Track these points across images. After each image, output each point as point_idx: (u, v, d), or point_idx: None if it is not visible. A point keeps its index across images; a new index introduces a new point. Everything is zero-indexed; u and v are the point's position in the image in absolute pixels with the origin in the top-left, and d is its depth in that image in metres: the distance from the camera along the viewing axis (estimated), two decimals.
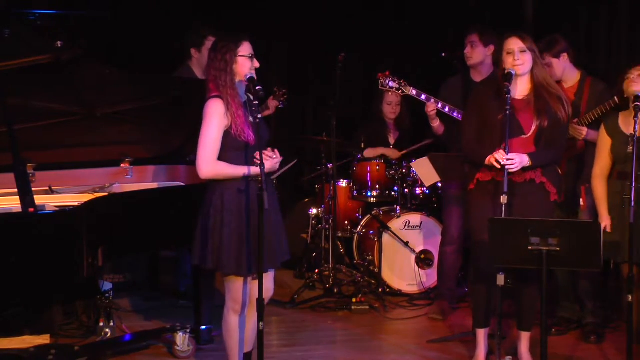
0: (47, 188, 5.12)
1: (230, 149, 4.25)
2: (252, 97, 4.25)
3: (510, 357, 4.89)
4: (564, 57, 5.37)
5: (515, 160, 4.57)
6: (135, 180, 5.39)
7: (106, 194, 5.08)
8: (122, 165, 5.38)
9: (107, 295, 5.32)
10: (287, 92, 6.64)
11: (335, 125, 6.63)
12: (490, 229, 4.37)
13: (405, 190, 6.75)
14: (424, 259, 6.57)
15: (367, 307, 6.15)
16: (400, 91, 5.76)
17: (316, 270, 6.77)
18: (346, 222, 7.06)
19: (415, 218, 6.62)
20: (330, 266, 6.66)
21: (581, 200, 5.38)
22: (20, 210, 4.28)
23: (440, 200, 6.35)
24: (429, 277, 6.52)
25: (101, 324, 5.24)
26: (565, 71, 5.41)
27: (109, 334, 5.24)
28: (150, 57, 6.95)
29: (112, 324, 5.28)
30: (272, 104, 6.57)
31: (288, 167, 6.84)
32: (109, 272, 6.22)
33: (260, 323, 4.16)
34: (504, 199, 4.49)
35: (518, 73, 4.67)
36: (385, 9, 7.80)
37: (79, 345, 4.84)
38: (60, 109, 4.92)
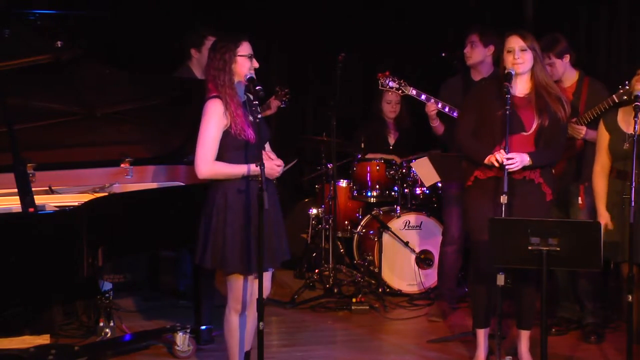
0: (47, 188, 5.11)
1: (231, 149, 4.25)
2: (252, 97, 4.25)
3: (510, 357, 4.89)
4: (567, 58, 5.38)
5: (515, 160, 4.58)
6: (135, 180, 5.39)
7: (106, 194, 5.08)
8: (122, 165, 5.38)
9: (107, 295, 5.32)
10: (290, 92, 6.63)
11: (335, 125, 6.63)
12: (490, 229, 4.37)
13: (405, 190, 6.74)
14: (424, 259, 6.57)
15: (367, 307, 6.15)
16: (400, 91, 5.76)
17: (316, 270, 6.77)
18: (346, 222, 7.06)
19: (415, 218, 6.62)
20: (330, 266, 6.66)
21: (580, 199, 5.38)
22: (20, 210, 4.28)
23: (440, 200, 6.35)
24: (429, 277, 6.52)
25: (101, 324, 5.24)
26: (565, 72, 5.42)
27: (109, 334, 5.24)
28: (150, 57, 6.95)
29: (112, 324, 5.28)
30: (274, 103, 6.57)
31: (288, 167, 6.87)
32: (109, 272, 6.22)
33: (260, 323, 4.16)
34: (504, 199, 4.49)
35: (518, 72, 4.67)
36: (385, 9, 7.80)
37: (79, 345, 4.84)
38: (60, 109, 4.92)
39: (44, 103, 4.81)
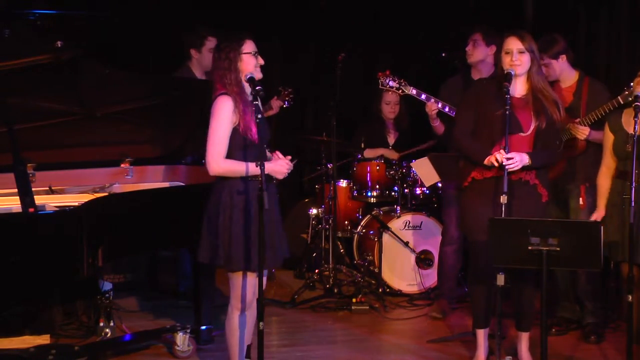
0: (47, 188, 5.12)
1: (238, 148, 4.27)
2: (252, 97, 4.27)
3: (510, 357, 4.89)
4: (563, 58, 5.37)
5: (515, 160, 4.58)
6: (135, 180, 5.39)
7: (106, 194, 5.08)
8: (122, 165, 5.38)
9: (107, 295, 5.32)
10: (293, 92, 6.63)
11: (335, 125, 6.63)
12: (490, 229, 4.37)
13: (405, 190, 6.75)
14: (424, 259, 6.57)
15: (367, 307, 6.15)
16: (400, 91, 5.76)
17: (316, 270, 6.77)
18: (346, 222, 7.06)
19: (415, 218, 6.62)
20: (330, 266, 6.66)
21: (580, 199, 5.38)
22: (20, 210, 4.28)
23: (440, 200, 6.35)
24: (429, 277, 6.52)
25: (101, 324, 5.24)
26: (564, 72, 5.41)
27: (109, 334, 5.24)
28: (150, 57, 6.96)
29: (112, 324, 5.29)
30: (276, 104, 6.56)
31: None
32: (109, 272, 6.22)
33: (261, 323, 4.17)
34: (503, 199, 4.50)
35: (515, 73, 4.68)
36: (385, 9, 7.79)
37: (79, 345, 4.84)
38: (60, 109, 4.92)
39: (44, 103, 4.82)
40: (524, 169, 4.65)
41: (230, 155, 4.27)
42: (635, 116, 4.62)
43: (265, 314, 4.23)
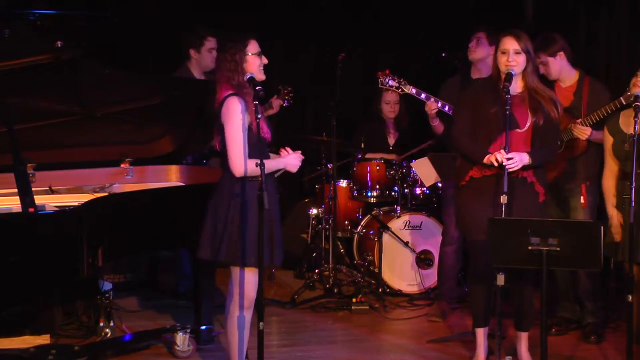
0: (47, 188, 5.12)
1: (252, 147, 4.28)
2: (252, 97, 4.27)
3: (510, 357, 4.89)
4: (561, 55, 5.37)
5: (515, 159, 4.58)
6: (135, 180, 5.39)
7: (106, 194, 5.08)
8: (122, 165, 5.38)
9: (107, 295, 5.32)
10: (292, 90, 6.63)
11: (335, 125, 6.63)
12: (490, 229, 4.38)
13: (405, 190, 6.75)
14: (424, 259, 6.56)
15: (367, 307, 6.15)
16: (399, 90, 5.76)
17: (316, 270, 6.77)
18: (346, 222, 7.06)
19: (415, 218, 6.61)
20: (330, 266, 6.65)
21: (582, 198, 5.38)
22: (20, 210, 4.28)
23: (440, 200, 6.35)
24: (429, 277, 6.52)
25: (101, 324, 5.24)
26: (563, 71, 5.41)
27: (109, 334, 5.24)
28: (150, 57, 6.95)
29: (112, 324, 5.28)
30: (276, 103, 6.55)
31: None
32: (109, 272, 6.22)
33: (261, 323, 4.17)
34: (504, 199, 4.50)
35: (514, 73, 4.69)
36: (385, 9, 7.79)
37: (79, 345, 4.84)
38: (60, 109, 4.92)
39: (44, 103, 4.81)
40: (524, 167, 4.65)
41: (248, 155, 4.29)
42: (636, 116, 4.62)
43: (265, 314, 4.23)
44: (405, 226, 6.60)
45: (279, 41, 7.65)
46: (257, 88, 4.23)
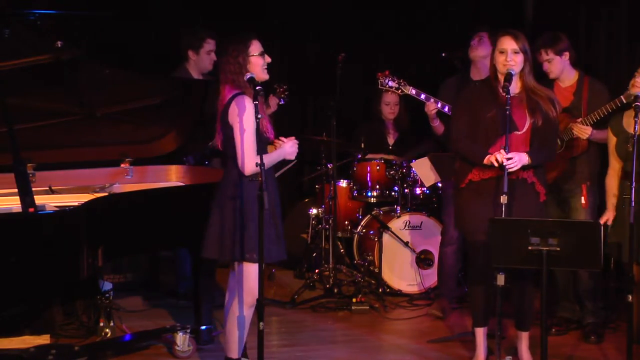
0: (47, 188, 5.12)
1: (259, 145, 4.28)
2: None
3: (510, 357, 4.89)
4: (566, 55, 5.38)
5: (514, 159, 4.58)
6: (135, 180, 5.39)
7: (106, 194, 5.08)
8: (122, 165, 5.38)
9: (107, 295, 5.32)
10: (288, 88, 6.62)
11: (335, 125, 6.63)
12: (490, 229, 4.38)
13: (405, 190, 6.74)
14: (424, 259, 6.56)
15: (367, 307, 6.15)
16: (399, 90, 5.76)
17: (316, 270, 6.77)
18: (346, 222, 7.06)
19: (415, 218, 6.61)
20: (330, 266, 6.65)
21: (582, 198, 5.38)
22: (20, 210, 4.28)
23: (440, 200, 6.35)
24: (429, 277, 6.52)
25: (101, 324, 5.24)
26: (564, 71, 5.42)
27: (109, 334, 5.24)
28: (150, 57, 6.95)
29: (112, 324, 5.28)
30: (273, 101, 6.56)
31: (288, 167, 6.87)
32: (109, 272, 6.22)
33: (261, 323, 4.17)
34: (504, 199, 4.50)
35: (505, 72, 4.68)
36: (386, 9, 7.79)
37: (79, 345, 4.83)
38: (60, 109, 4.92)
39: (44, 103, 4.82)
40: (523, 167, 4.65)
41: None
42: (636, 116, 4.62)
43: (265, 314, 4.23)
44: (405, 226, 6.60)
45: (278, 41, 7.65)
46: (257, 88, 4.24)
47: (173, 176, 5.56)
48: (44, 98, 4.79)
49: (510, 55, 4.66)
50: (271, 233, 4.33)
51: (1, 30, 4.30)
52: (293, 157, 4.51)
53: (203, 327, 5.22)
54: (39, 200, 4.41)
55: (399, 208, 6.66)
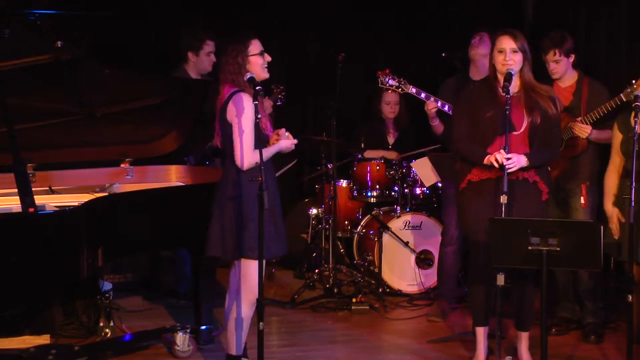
0: (47, 188, 5.12)
1: (257, 143, 4.31)
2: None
3: (510, 357, 4.89)
4: (572, 57, 5.39)
5: (513, 160, 4.58)
6: (135, 180, 5.39)
7: (106, 194, 5.08)
8: (122, 165, 5.38)
9: (107, 295, 5.32)
10: (285, 89, 6.62)
11: (335, 125, 6.63)
12: (490, 229, 4.38)
13: (405, 190, 6.74)
14: (424, 259, 6.56)
15: (367, 307, 6.15)
16: (399, 89, 5.77)
17: (316, 270, 6.77)
18: (346, 222, 7.06)
19: (415, 218, 6.62)
20: (330, 266, 6.65)
21: (582, 198, 5.38)
22: (20, 210, 4.28)
23: (440, 200, 6.35)
24: (429, 277, 6.52)
25: (101, 324, 5.24)
26: (567, 71, 5.42)
27: (109, 334, 5.24)
28: (151, 57, 6.95)
29: (112, 324, 5.29)
30: (267, 103, 6.52)
31: (288, 167, 6.87)
32: (109, 272, 6.22)
33: (261, 323, 4.17)
34: (504, 199, 4.50)
35: (504, 71, 4.69)
36: (386, 9, 7.79)
37: (79, 345, 4.83)
38: (60, 109, 4.92)
39: (44, 103, 4.82)
40: (523, 168, 4.65)
41: None
42: (636, 116, 4.62)
43: (265, 314, 4.23)
44: (405, 226, 6.60)
45: (278, 41, 7.65)
46: (257, 88, 4.24)
47: (173, 176, 5.56)
48: (44, 98, 4.79)
49: (509, 54, 4.67)
50: (270, 230, 4.34)
51: (1, 30, 4.30)
52: (288, 150, 4.51)
53: (203, 327, 5.22)
54: (39, 200, 4.41)
55: (399, 208, 6.66)
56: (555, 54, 5.32)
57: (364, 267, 6.70)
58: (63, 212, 4.50)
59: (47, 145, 5.07)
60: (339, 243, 6.97)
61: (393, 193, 6.77)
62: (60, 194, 5.11)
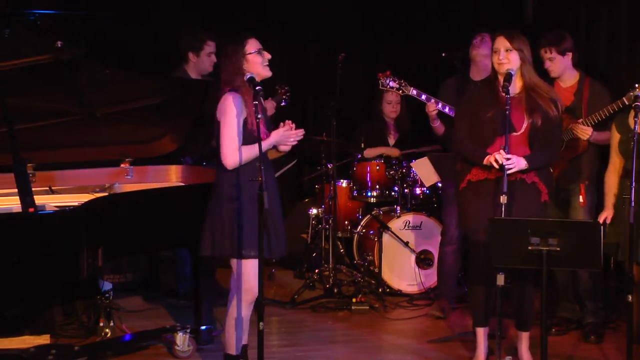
0: (47, 188, 5.12)
1: (245, 143, 4.31)
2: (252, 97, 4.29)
3: (510, 357, 4.89)
4: (568, 56, 5.38)
5: (512, 161, 4.58)
6: (135, 180, 5.39)
7: (106, 194, 5.08)
8: (122, 165, 5.38)
9: (107, 295, 5.32)
10: (289, 90, 6.62)
11: (335, 125, 6.63)
12: (490, 229, 4.38)
13: (405, 190, 6.74)
14: (424, 259, 6.56)
15: (367, 307, 6.15)
16: (400, 91, 5.77)
17: (316, 270, 6.77)
18: (346, 222, 7.06)
19: (415, 218, 6.62)
20: (330, 266, 6.65)
21: (581, 197, 5.39)
22: (20, 210, 4.28)
23: (440, 200, 6.35)
24: (429, 277, 6.52)
25: (101, 324, 5.24)
26: (566, 70, 5.41)
27: (109, 334, 5.24)
28: (151, 57, 6.95)
29: (112, 324, 5.28)
30: (269, 104, 6.52)
31: (288, 167, 6.87)
32: (109, 272, 6.22)
33: (261, 323, 4.17)
34: (503, 199, 4.50)
35: (501, 71, 4.69)
36: (386, 9, 7.79)
37: (79, 345, 4.83)
38: (60, 109, 4.92)
39: (44, 103, 4.82)
40: (522, 170, 4.65)
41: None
42: (636, 116, 4.62)
43: (265, 314, 4.24)
44: (405, 226, 6.60)
45: (278, 41, 7.65)
46: (257, 88, 4.24)
47: (173, 176, 5.56)
48: (44, 98, 4.79)
49: (502, 54, 4.68)
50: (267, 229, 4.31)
51: (1, 30, 4.30)
52: (288, 147, 4.48)
53: (203, 327, 5.22)
54: (39, 200, 4.41)
55: (399, 208, 6.66)
56: (547, 51, 5.32)
57: (364, 267, 6.70)
58: (63, 212, 4.50)
59: (47, 145, 5.07)
60: (339, 243, 6.97)
61: (393, 193, 6.77)
62: (60, 194, 5.11)
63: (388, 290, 6.50)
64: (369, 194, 6.82)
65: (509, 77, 4.65)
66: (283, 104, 6.61)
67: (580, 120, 5.30)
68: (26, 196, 4.24)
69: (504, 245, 4.32)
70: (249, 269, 4.33)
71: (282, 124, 4.46)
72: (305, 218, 7.21)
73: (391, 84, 5.75)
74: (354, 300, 6.21)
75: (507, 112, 4.57)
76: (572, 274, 5.49)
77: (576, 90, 5.41)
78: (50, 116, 4.91)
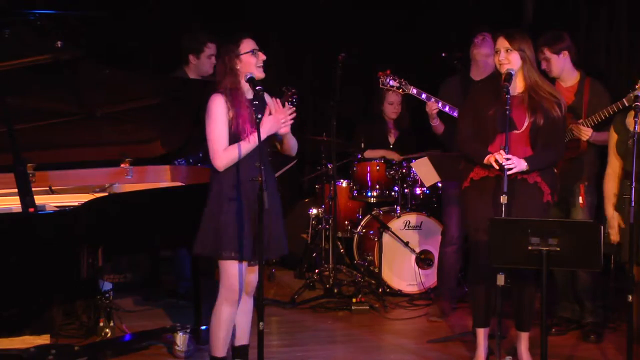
0: (47, 188, 5.12)
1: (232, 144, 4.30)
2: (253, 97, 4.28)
3: (510, 357, 4.89)
4: (564, 54, 5.37)
5: (512, 161, 4.58)
6: (135, 180, 5.39)
7: (106, 194, 5.08)
8: (122, 165, 5.38)
9: (107, 295, 5.32)
10: (296, 92, 6.61)
11: (335, 125, 6.63)
12: (490, 229, 4.38)
13: (405, 190, 6.75)
14: (424, 259, 6.57)
15: (367, 307, 6.15)
16: (400, 90, 5.77)
17: (316, 270, 6.77)
18: (346, 222, 7.06)
19: (415, 218, 6.62)
20: (330, 266, 6.65)
21: (580, 198, 5.39)
22: (20, 210, 4.28)
23: (440, 200, 6.35)
24: (429, 277, 6.52)
25: (101, 324, 5.24)
26: (565, 70, 5.41)
27: (109, 334, 5.24)
28: (150, 57, 6.95)
29: (112, 324, 5.28)
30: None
31: (288, 167, 6.86)
32: (109, 272, 6.22)
33: (261, 323, 4.17)
34: (503, 199, 4.50)
35: (502, 71, 4.70)
36: (386, 9, 7.80)
37: (79, 345, 4.84)
38: (60, 109, 4.92)
39: (44, 103, 4.82)
40: (523, 172, 4.66)
41: None
42: (635, 116, 4.62)
43: (265, 314, 4.23)
44: (405, 226, 6.60)
45: (278, 41, 7.65)
46: (257, 88, 4.23)
47: (173, 176, 5.56)
48: (44, 98, 4.79)
49: (502, 54, 4.69)
50: (247, 230, 4.28)
51: (1, 30, 4.30)
52: (287, 128, 4.37)
53: (203, 327, 5.21)
54: (39, 200, 4.41)
55: (399, 208, 6.66)
56: (541, 52, 5.32)
57: (364, 267, 6.70)
58: (63, 212, 4.50)
59: (47, 145, 5.07)
60: (339, 243, 6.97)
61: (393, 193, 6.77)
62: (60, 194, 5.10)
63: (388, 290, 6.50)
64: (369, 194, 6.82)
65: (508, 77, 4.65)
66: (289, 105, 6.59)
67: (581, 121, 5.31)
68: (26, 196, 4.24)
69: (504, 245, 4.32)
70: (230, 268, 4.33)
71: (267, 110, 4.36)
72: (305, 218, 7.21)
73: (391, 82, 5.76)
74: (354, 300, 6.21)
75: (506, 112, 4.57)
76: (572, 274, 5.49)
77: (577, 90, 5.41)
78: (50, 116, 4.91)
